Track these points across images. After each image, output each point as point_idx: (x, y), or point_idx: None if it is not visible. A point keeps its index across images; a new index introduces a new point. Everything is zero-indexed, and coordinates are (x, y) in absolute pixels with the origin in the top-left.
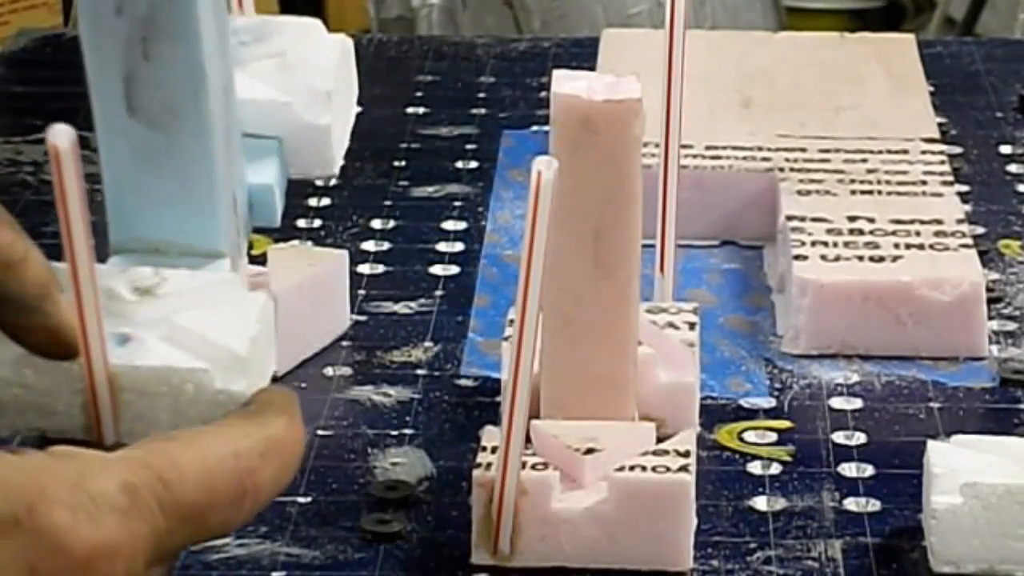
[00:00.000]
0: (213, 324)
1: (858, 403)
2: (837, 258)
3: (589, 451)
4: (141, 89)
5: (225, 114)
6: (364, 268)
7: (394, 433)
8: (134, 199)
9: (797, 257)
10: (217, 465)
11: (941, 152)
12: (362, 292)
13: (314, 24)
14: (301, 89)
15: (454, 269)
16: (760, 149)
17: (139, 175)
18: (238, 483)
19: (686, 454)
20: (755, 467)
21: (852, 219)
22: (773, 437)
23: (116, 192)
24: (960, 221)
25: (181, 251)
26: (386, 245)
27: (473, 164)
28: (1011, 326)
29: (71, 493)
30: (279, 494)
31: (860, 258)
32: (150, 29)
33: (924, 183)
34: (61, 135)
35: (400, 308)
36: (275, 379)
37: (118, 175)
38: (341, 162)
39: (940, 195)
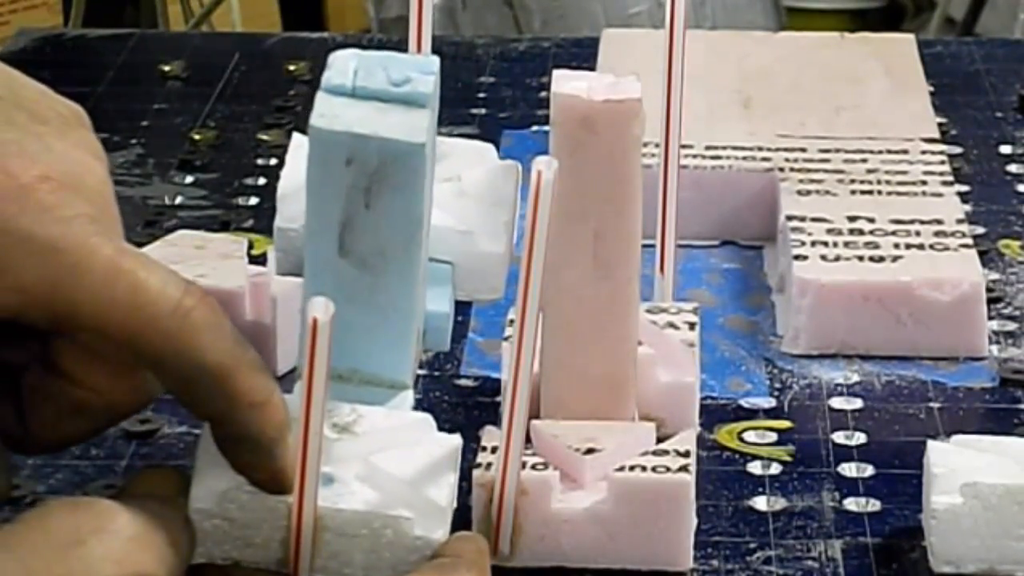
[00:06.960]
0: (411, 468)
1: (858, 403)
2: (837, 258)
3: (589, 451)
4: (357, 234)
5: (425, 253)
6: None
7: None
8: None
9: (797, 257)
10: None
11: (941, 152)
12: None
13: (487, 148)
14: (480, 218)
15: None
16: (760, 149)
17: (339, 308)
18: None
19: (686, 454)
20: (755, 467)
21: (852, 219)
22: (773, 437)
23: None
24: (960, 221)
25: (365, 380)
26: None
27: None
28: (1011, 326)
29: None
30: None
31: (860, 258)
32: (375, 180)
33: (924, 183)
34: (319, 308)
35: None
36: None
37: None
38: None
39: (940, 195)
